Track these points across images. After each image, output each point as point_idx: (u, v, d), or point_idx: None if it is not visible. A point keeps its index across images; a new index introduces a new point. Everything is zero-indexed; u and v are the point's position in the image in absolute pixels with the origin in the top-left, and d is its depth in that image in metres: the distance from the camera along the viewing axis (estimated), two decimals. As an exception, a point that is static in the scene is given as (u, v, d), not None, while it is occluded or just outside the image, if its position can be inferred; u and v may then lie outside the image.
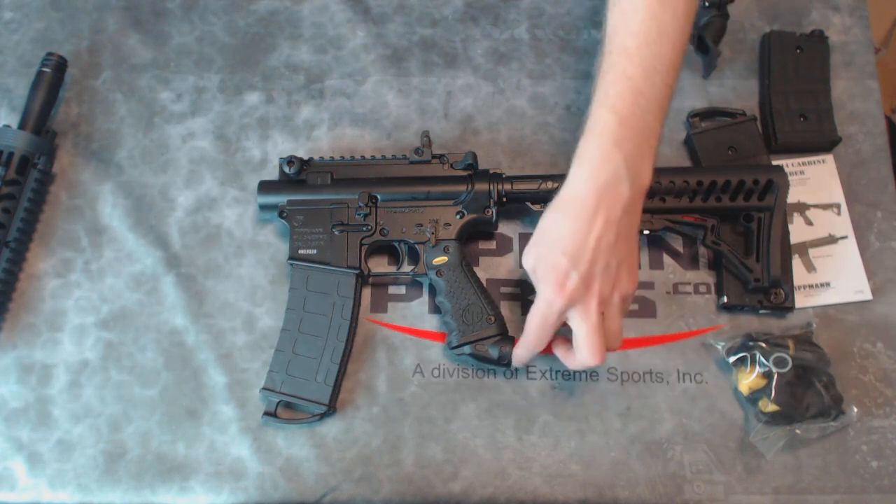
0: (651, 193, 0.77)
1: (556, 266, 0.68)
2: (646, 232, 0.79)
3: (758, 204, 0.79)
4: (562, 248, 0.68)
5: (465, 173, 0.81)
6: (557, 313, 0.69)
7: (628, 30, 0.69)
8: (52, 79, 0.85)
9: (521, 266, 0.82)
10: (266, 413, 0.77)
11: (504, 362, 0.77)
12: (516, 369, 0.80)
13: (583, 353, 0.69)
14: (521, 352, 0.75)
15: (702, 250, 0.84)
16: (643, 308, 0.82)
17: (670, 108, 0.87)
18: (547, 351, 0.74)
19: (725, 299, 0.80)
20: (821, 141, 0.85)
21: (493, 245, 0.85)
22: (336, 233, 0.80)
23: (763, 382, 0.76)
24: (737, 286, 0.80)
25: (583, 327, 0.69)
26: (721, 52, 0.87)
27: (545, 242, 0.69)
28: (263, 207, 0.82)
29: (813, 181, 0.85)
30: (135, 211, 0.86)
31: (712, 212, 0.80)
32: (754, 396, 0.77)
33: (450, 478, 0.77)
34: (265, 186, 0.82)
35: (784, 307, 0.79)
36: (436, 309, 0.82)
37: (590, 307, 0.68)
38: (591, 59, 0.89)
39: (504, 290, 0.83)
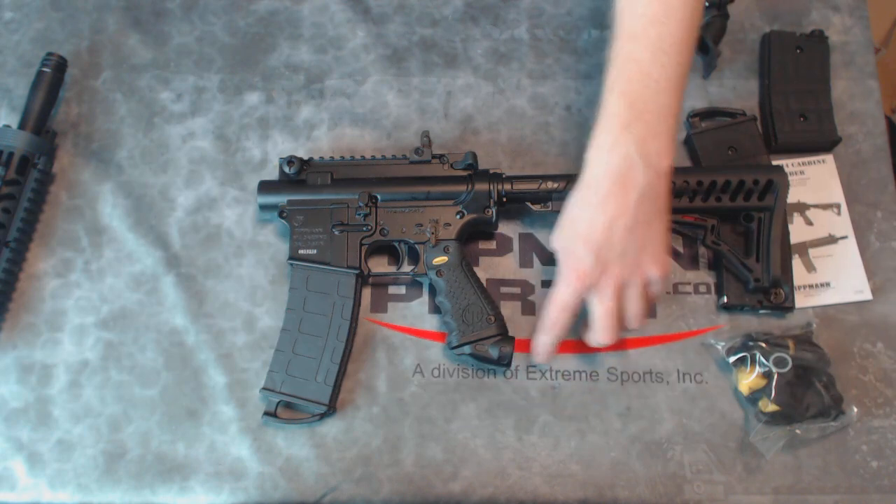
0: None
1: (574, 251, 0.69)
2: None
3: (758, 204, 0.78)
4: (578, 234, 0.69)
5: (465, 173, 0.81)
6: (574, 295, 0.70)
7: (634, 13, 0.70)
8: (52, 79, 0.85)
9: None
10: (266, 413, 0.77)
11: (504, 362, 0.77)
12: (516, 369, 0.80)
13: (596, 332, 0.72)
14: (542, 336, 0.74)
15: (702, 250, 0.84)
16: (643, 308, 0.82)
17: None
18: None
19: (725, 299, 0.80)
20: (821, 141, 0.85)
21: (493, 245, 0.85)
22: (336, 233, 0.80)
23: (763, 382, 0.76)
24: (737, 286, 0.80)
25: (598, 310, 0.71)
26: (721, 52, 0.87)
27: (566, 227, 0.71)
28: (263, 207, 0.82)
29: (813, 181, 0.85)
30: (135, 211, 0.86)
31: (712, 212, 0.80)
32: (754, 396, 0.77)
33: (450, 478, 0.77)
34: (265, 186, 0.82)
35: (784, 307, 0.79)
36: (436, 309, 0.82)
37: (606, 292, 0.70)
38: (591, 59, 0.90)
39: (504, 290, 0.83)
